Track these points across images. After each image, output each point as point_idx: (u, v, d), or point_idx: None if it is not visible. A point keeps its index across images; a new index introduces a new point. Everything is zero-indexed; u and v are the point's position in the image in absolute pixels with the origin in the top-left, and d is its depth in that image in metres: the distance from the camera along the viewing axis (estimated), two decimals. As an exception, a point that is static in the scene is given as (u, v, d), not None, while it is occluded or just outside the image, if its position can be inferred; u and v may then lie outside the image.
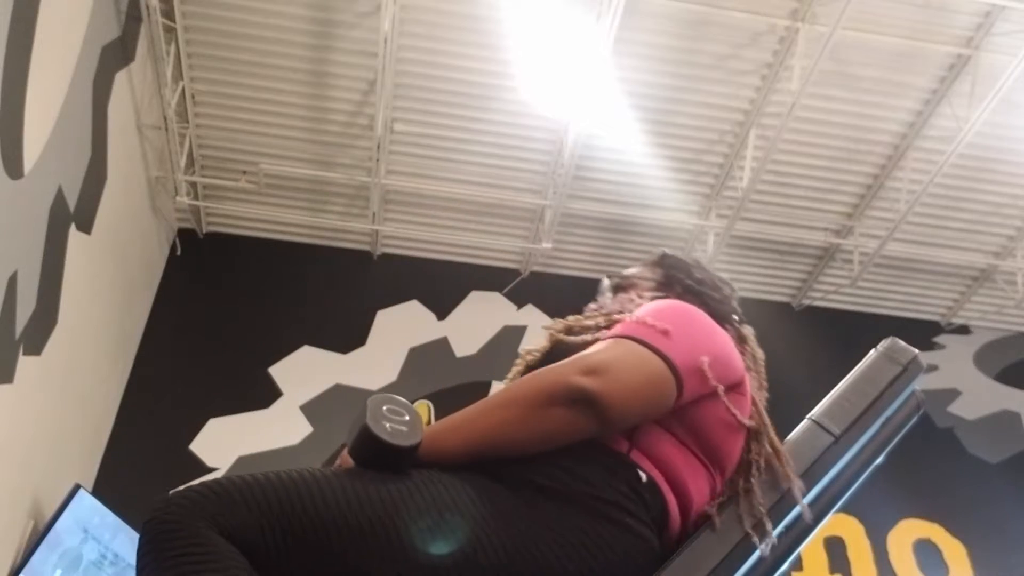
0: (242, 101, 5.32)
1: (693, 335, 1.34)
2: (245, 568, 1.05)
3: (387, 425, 1.18)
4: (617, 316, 1.43)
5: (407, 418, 1.20)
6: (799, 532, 1.34)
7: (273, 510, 1.09)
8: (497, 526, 1.15)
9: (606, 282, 1.67)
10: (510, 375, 1.52)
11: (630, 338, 1.29)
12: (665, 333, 1.29)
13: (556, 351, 1.41)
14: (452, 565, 1.12)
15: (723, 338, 1.40)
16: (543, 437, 1.22)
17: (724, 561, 1.25)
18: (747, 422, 1.35)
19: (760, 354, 1.53)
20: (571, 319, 1.50)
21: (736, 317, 1.56)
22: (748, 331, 1.55)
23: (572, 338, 1.42)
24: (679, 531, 1.30)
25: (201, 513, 1.07)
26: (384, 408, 1.20)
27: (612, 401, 1.20)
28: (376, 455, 1.17)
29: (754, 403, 1.41)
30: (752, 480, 1.32)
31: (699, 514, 1.31)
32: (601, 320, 1.45)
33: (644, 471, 1.26)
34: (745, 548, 1.27)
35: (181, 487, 1.12)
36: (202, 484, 1.12)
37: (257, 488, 1.11)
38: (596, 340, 1.35)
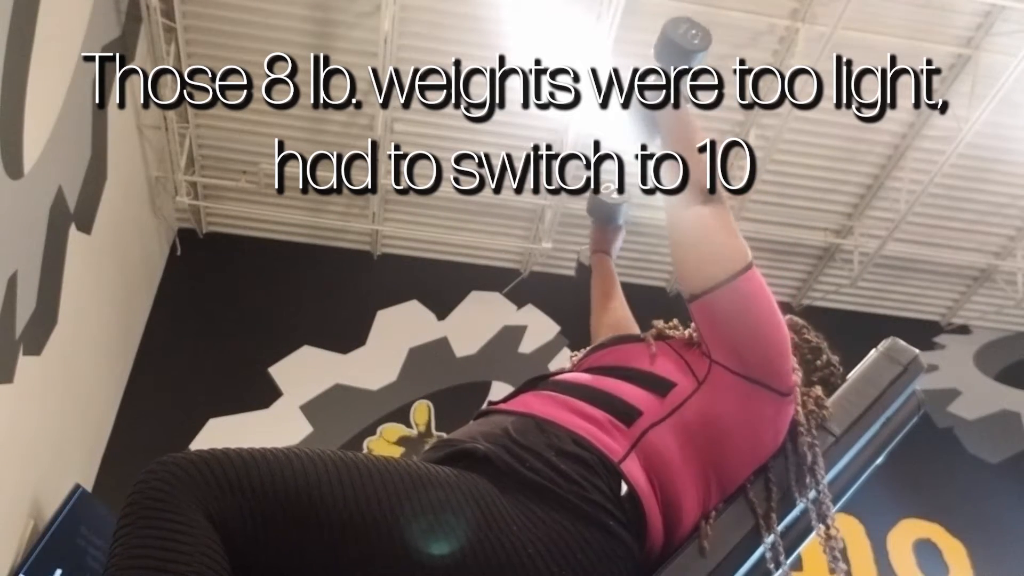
0: (242, 101, 5.32)
1: None
2: (216, 560, 1.04)
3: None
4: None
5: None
6: (800, 532, 1.34)
7: (267, 498, 1.10)
8: (489, 530, 1.15)
9: None
10: (653, 332, 1.55)
11: None
12: None
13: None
14: (443, 567, 1.12)
15: None
16: None
17: (724, 561, 1.25)
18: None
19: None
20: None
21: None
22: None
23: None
24: (663, 545, 1.28)
25: (192, 490, 1.07)
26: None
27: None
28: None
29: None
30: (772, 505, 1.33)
31: (688, 529, 1.30)
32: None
33: (628, 483, 1.24)
34: (745, 550, 1.27)
35: (179, 453, 1.11)
36: (200, 458, 1.12)
37: (255, 473, 1.12)
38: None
